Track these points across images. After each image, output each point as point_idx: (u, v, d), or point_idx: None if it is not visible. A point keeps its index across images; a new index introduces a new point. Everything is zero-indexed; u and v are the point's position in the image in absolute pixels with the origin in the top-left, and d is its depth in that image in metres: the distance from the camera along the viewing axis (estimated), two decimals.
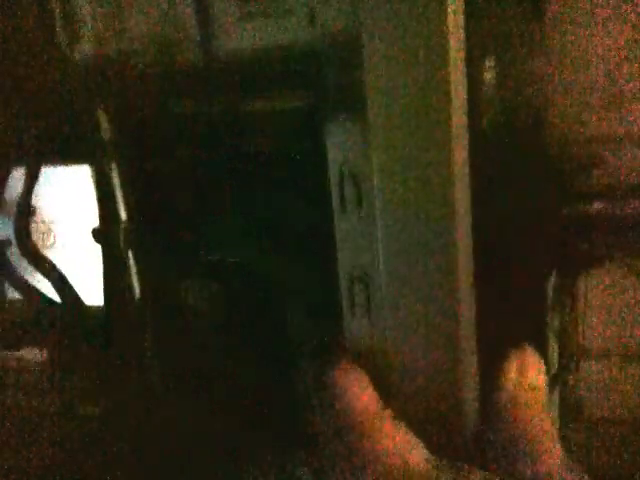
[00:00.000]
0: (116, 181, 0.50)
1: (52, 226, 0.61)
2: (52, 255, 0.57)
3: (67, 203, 0.59)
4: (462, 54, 0.35)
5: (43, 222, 0.61)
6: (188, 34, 0.44)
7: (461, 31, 0.35)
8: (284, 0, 0.41)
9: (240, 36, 0.42)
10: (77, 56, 0.47)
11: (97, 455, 0.59)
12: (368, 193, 0.36)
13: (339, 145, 0.36)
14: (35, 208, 0.57)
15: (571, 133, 0.45)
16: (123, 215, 0.50)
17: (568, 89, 0.44)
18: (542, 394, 0.41)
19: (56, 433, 0.61)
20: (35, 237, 0.57)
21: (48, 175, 0.57)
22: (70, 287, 0.55)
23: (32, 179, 0.55)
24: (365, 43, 0.34)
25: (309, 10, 0.40)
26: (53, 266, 0.55)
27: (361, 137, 0.36)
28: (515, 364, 0.41)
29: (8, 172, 0.55)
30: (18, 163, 0.55)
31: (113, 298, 0.53)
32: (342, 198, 0.37)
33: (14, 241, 0.55)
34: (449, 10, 0.33)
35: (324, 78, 0.38)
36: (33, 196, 0.56)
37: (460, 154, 0.35)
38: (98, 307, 0.55)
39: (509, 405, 0.39)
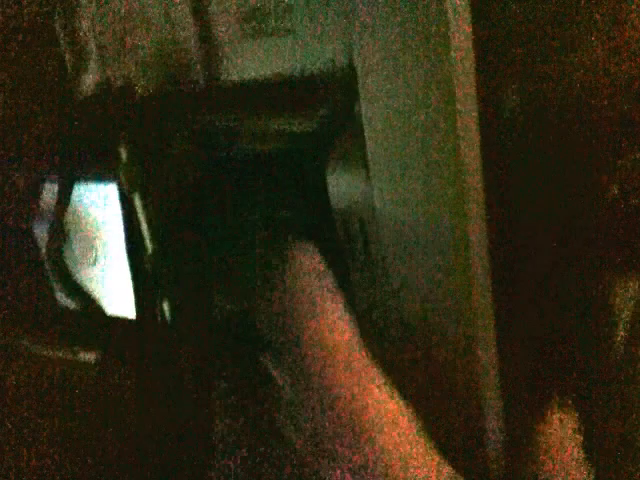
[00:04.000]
0: (138, 204, 0.50)
1: (95, 243, 0.62)
2: (94, 272, 0.58)
3: (109, 220, 0.60)
4: (472, 81, 0.32)
5: (85, 239, 0.61)
6: (191, 55, 0.43)
7: (471, 58, 0.32)
8: (286, 20, 0.39)
9: (242, 56, 0.41)
10: (84, 82, 0.47)
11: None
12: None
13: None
14: (69, 229, 0.58)
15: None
16: (148, 238, 0.50)
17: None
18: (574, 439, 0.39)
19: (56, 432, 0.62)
20: (78, 253, 0.58)
21: (90, 192, 0.58)
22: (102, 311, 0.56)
23: (63, 200, 0.56)
24: (360, 75, 0.32)
25: (311, 31, 0.38)
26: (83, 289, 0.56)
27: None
28: (553, 416, 0.39)
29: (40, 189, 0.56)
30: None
31: (143, 317, 0.53)
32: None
33: (46, 262, 0.56)
34: (452, 34, 0.30)
35: (325, 105, 0.36)
36: (68, 215, 0.56)
37: (474, 186, 0.33)
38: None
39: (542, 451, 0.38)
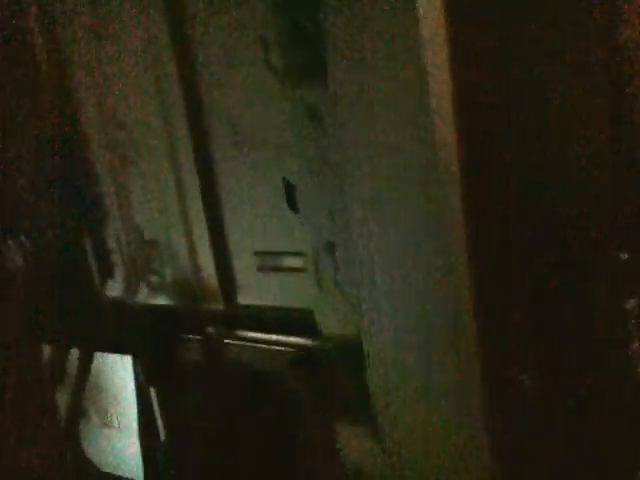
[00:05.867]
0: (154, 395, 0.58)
1: (111, 407, 0.62)
2: (110, 433, 0.60)
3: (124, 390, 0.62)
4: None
5: (101, 404, 0.61)
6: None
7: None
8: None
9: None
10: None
11: None
12: None
13: None
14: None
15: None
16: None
17: None
18: None
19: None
20: (94, 416, 0.62)
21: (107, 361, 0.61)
22: None
23: (84, 370, 0.58)
24: None
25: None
26: None
27: None
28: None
29: None
30: None
31: None
32: None
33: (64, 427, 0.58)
34: None
35: None
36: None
37: None
38: None
39: None
